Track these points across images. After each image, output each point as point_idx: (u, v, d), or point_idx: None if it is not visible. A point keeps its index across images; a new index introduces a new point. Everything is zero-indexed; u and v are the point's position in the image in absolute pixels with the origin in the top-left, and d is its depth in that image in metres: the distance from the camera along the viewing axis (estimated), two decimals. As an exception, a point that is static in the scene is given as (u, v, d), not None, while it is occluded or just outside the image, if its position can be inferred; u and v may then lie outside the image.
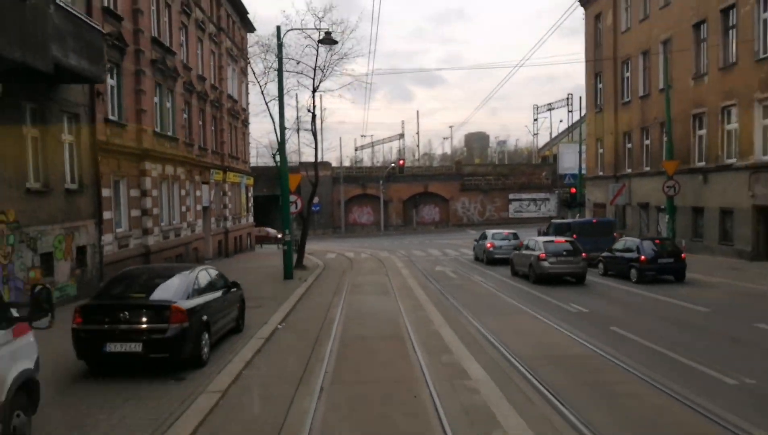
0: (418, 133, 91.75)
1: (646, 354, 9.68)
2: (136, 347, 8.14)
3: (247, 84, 37.54)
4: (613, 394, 7.73)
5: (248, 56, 24.77)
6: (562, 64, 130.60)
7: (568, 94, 64.38)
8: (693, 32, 25.90)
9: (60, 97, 14.63)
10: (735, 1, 22.88)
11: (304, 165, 47.49)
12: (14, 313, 5.71)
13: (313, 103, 24.88)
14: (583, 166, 37.95)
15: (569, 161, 48.21)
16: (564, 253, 18.60)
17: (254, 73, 25.76)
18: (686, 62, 26.29)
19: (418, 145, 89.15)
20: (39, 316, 5.77)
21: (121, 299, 8.73)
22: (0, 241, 12.12)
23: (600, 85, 35.72)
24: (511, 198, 60.12)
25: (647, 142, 30.26)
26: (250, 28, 38.11)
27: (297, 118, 45.53)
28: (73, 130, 15.59)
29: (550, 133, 74.66)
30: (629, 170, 32.15)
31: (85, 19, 13.72)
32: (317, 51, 23.99)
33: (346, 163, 72.98)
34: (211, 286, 9.97)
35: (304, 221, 27.65)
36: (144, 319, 8.28)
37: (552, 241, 19.31)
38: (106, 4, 17.50)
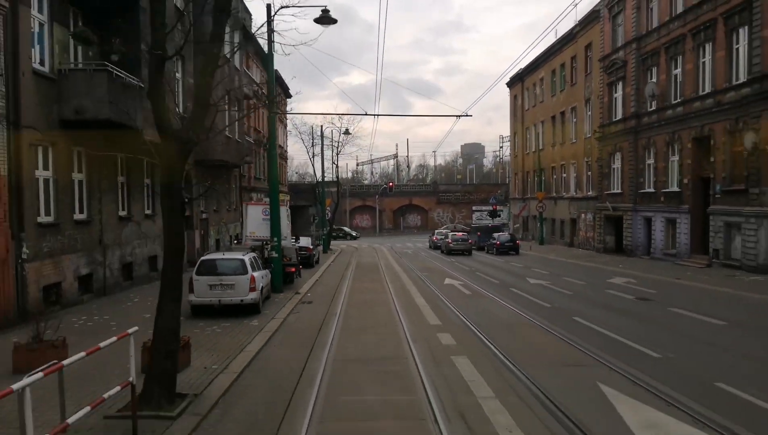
0: (407, 156, 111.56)
1: (461, 269, 29.06)
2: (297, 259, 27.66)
3: (286, 133, 57.21)
4: (436, 273, 27.25)
5: (299, 132, 45.25)
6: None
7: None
8: (551, 120, 45.58)
9: (234, 171, 34.08)
10: (565, 109, 42.53)
11: (325, 183, 67.00)
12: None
13: (336, 162, 44.54)
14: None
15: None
16: (460, 240, 38.18)
17: (303, 141, 45.78)
18: (550, 135, 45.94)
19: (408, 166, 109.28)
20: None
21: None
22: (222, 231, 31.55)
23: (517, 140, 55.48)
24: (474, 209, 79.47)
25: (537, 179, 49.82)
26: (288, 95, 58.03)
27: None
28: (236, 183, 35.05)
29: (510, 160, 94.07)
30: (529, 195, 51.75)
31: (249, 140, 33.26)
32: (339, 135, 43.77)
33: (349, 174, 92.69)
34: (314, 243, 29.60)
35: (330, 224, 47.14)
36: (299, 251, 27.85)
37: (455, 234, 38.94)
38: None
